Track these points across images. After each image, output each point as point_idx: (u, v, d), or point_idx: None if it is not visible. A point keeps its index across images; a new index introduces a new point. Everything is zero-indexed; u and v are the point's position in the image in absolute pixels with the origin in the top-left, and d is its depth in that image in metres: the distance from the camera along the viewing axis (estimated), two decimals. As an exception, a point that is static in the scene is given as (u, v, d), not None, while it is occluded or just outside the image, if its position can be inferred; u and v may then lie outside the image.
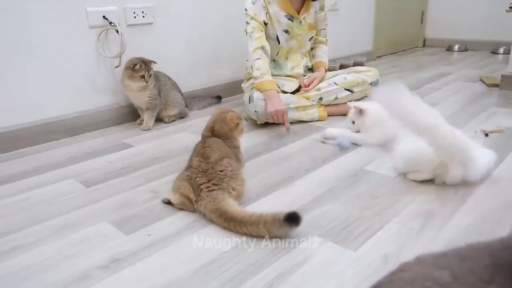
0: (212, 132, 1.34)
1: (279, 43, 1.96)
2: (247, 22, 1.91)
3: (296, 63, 2.04)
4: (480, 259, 0.41)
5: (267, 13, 1.90)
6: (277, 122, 1.83)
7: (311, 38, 2.07)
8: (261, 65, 1.84)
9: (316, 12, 2.04)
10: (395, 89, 1.14)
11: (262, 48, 1.86)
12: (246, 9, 1.90)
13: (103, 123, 1.98)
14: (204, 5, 2.28)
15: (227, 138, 1.34)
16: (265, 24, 1.92)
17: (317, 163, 1.48)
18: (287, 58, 2.02)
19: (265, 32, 1.92)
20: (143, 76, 1.83)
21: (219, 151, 1.23)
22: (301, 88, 2.00)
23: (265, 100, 1.80)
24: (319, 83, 2.00)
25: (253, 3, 1.89)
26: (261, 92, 1.82)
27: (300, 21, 1.97)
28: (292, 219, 0.98)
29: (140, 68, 1.82)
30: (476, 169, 1.23)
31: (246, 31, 1.91)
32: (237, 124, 1.37)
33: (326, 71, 2.11)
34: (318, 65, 2.10)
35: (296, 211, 0.99)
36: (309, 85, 1.98)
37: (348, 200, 1.21)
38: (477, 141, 1.30)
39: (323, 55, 2.14)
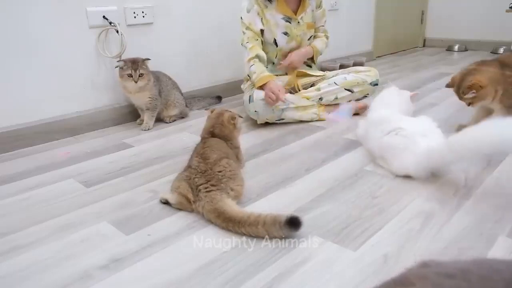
0: (212, 135, 1.34)
1: (277, 46, 1.96)
2: (243, 32, 1.92)
3: None
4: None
5: (262, 18, 1.91)
6: (274, 100, 1.76)
7: (310, 37, 2.07)
8: (256, 68, 1.85)
9: (313, 10, 2.03)
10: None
11: (257, 56, 1.87)
12: (241, 18, 1.91)
13: (103, 123, 1.98)
14: (204, 5, 2.28)
15: (228, 140, 1.34)
16: (262, 30, 1.92)
17: (317, 163, 1.48)
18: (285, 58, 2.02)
19: (261, 40, 1.93)
20: (130, 75, 1.81)
21: (219, 151, 1.23)
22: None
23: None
24: (301, 60, 1.99)
25: (248, 11, 1.90)
26: (262, 89, 1.82)
27: (298, 22, 1.97)
28: (293, 223, 0.98)
29: (126, 67, 1.81)
30: None
31: (241, 42, 1.93)
32: (235, 124, 1.36)
33: (313, 54, 2.05)
34: (310, 46, 2.05)
35: (298, 215, 0.99)
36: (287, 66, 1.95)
37: (348, 200, 1.21)
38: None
39: (318, 41, 2.08)
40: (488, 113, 1.68)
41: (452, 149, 1.20)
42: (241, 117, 1.40)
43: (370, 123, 1.52)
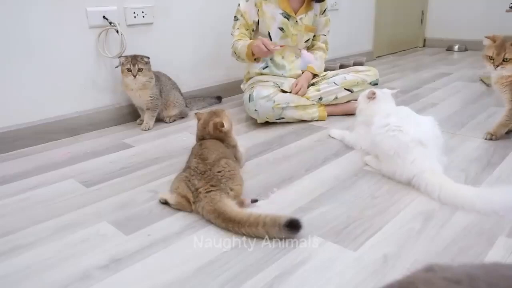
0: (204, 140, 1.33)
1: (271, 40, 1.95)
2: (235, 17, 1.95)
3: (292, 64, 2.02)
4: None
5: (258, 10, 1.92)
6: (266, 50, 1.74)
7: (308, 40, 2.05)
8: (240, 43, 1.87)
9: (316, 15, 2.02)
10: None
11: (239, 39, 1.91)
12: (239, 4, 1.94)
13: (103, 123, 1.98)
14: (204, 5, 2.28)
15: (223, 140, 1.33)
16: (257, 22, 1.94)
17: (317, 163, 1.48)
18: (283, 58, 2.00)
19: (251, 31, 1.95)
20: (129, 70, 1.81)
21: (217, 151, 1.23)
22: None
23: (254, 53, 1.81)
24: (307, 84, 1.98)
25: (247, 0, 1.91)
26: (252, 53, 1.81)
27: (296, 21, 1.96)
28: (293, 225, 0.98)
29: (126, 61, 1.82)
30: None
31: (232, 30, 1.95)
32: (221, 130, 1.31)
33: (313, 76, 2.04)
34: (306, 69, 2.04)
35: (298, 217, 0.99)
36: (297, 93, 1.93)
37: (348, 200, 1.21)
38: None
39: (317, 60, 2.05)
40: None
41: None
42: (225, 124, 1.31)
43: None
